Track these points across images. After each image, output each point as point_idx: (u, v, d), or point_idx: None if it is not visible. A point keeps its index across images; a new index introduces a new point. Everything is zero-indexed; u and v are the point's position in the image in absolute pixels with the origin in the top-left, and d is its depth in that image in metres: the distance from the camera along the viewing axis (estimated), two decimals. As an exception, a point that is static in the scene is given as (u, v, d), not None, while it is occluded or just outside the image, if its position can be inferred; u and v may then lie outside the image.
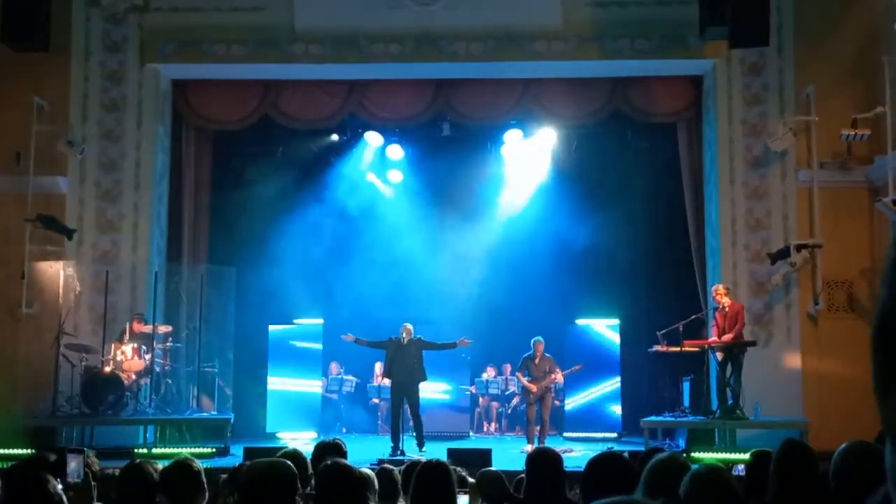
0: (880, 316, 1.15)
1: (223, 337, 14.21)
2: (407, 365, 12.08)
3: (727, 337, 11.76)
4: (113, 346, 12.36)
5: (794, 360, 12.74)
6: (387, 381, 14.09)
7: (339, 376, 15.59)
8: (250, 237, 14.61)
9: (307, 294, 15.07)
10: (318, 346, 14.92)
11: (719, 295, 11.90)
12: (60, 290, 12.90)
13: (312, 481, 4.57)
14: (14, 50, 12.37)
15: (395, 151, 15.60)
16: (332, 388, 15.47)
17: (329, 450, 5.18)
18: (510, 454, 11.62)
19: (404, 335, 12.19)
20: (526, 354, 12.77)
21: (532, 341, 12.78)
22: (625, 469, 3.89)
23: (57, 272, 13.00)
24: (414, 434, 12.06)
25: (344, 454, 5.30)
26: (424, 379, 12.26)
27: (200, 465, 4.62)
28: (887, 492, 1.26)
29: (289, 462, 3.90)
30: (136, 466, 4.68)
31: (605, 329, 14.97)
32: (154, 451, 11.11)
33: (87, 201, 13.37)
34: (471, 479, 6.26)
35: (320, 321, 15.09)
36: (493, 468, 6.22)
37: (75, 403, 12.09)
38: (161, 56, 13.51)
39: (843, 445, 3.58)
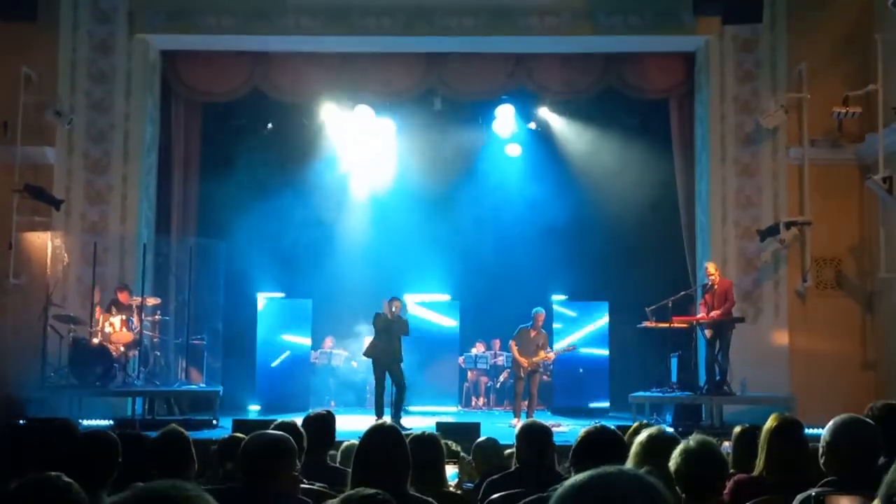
0: None
1: (212, 310, 14.18)
2: (389, 342, 12.05)
3: (715, 313, 11.80)
4: (101, 316, 12.32)
5: (781, 337, 12.81)
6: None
7: (331, 350, 15.62)
8: (240, 211, 14.55)
9: (297, 267, 15.06)
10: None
11: (711, 274, 11.94)
12: (48, 261, 12.84)
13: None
14: (2, 19, 12.25)
15: (386, 125, 15.52)
16: (322, 362, 15.48)
17: (319, 421, 5.17)
18: (498, 428, 11.65)
19: (394, 310, 12.13)
20: (523, 325, 12.74)
21: (533, 311, 12.74)
22: (616, 442, 3.91)
23: (45, 243, 12.93)
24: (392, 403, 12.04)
25: (333, 424, 5.30)
26: (401, 360, 12.20)
27: (189, 435, 4.62)
28: None
29: (289, 435, 3.91)
30: (128, 436, 4.68)
31: (591, 305, 15.02)
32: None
33: (75, 172, 13.28)
34: (463, 455, 6.28)
35: (309, 301, 15.13)
36: (488, 437, 6.23)
37: (63, 375, 12.07)
38: (150, 27, 13.39)
39: (834, 420, 3.59)
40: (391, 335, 12.05)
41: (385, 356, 12.02)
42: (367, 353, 12.42)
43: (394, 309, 12.11)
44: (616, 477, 1.45)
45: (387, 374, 12.09)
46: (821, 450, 3.58)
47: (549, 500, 1.49)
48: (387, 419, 4.08)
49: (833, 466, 3.50)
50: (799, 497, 3.39)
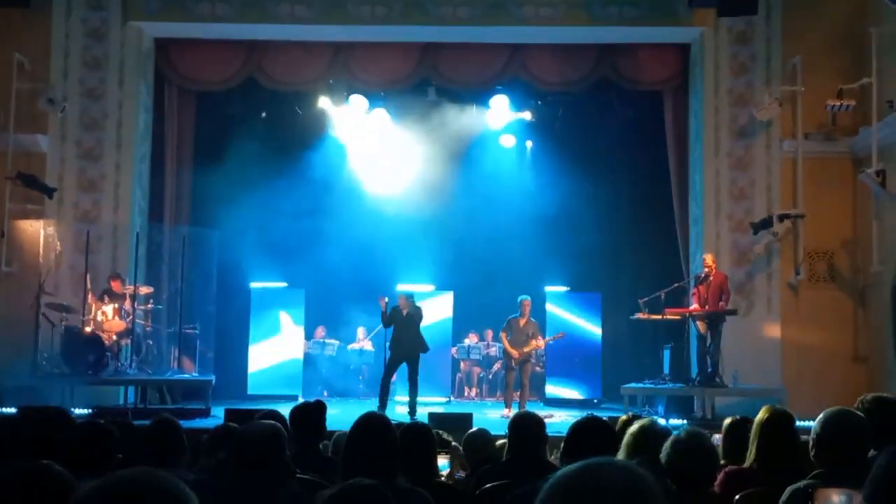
0: None
1: (205, 299, 14.17)
2: (409, 336, 12.01)
3: (711, 306, 11.78)
4: (94, 305, 12.30)
5: (773, 330, 12.84)
6: (368, 345, 14.25)
7: (323, 340, 15.62)
8: (233, 200, 14.52)
9: (290, 257, 15.05)
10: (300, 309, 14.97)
11: (708, 265, 11.93)
12: (41, 250, 12.81)
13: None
14: (-6, 5, 12.20)
15: (380, 115, 15.49)
16: (314, 351, 15.49)
17: (309, 411, 5.18)
18: (490, 419, 11.68)
19: (403, 306, 12.10)
20: (512, 315, 12.74)
21: (519, 299, 12.73)
22: (607, 433, 3.92)
23: (37, 231, 12.90)
24: (408, 401, 12.04)
25: (324, 414, 5.30)
26: (426, 350, 12.14)
27: (181, 424, 4.63)
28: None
29: (280, 425, 3.92)
30: (121, 425, 4.68)
31: (586, 296, 15.04)
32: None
33: (67, 160, 13.24)
34: (454, 443, 6.28)
35: (302, 290, 15.15)
36: (479, 428, 6.23)
37: (56, 363, 12.05)
38: (144, 14, 13.33)
39: (825, 413, 3.61)
40: (410, 326, 12.01)
41: (407, 347, 11.96)
42: (390, 343, 12.32)
43: (403, 303, 12.05)
44: (606, 468, 1.45)
45: (401, 366, 12.08)
46: (811, 442, 3.59)
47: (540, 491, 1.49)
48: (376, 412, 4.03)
49: (823, 459, 3.51)
50: (789, 489, 3.40)
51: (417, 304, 12.37)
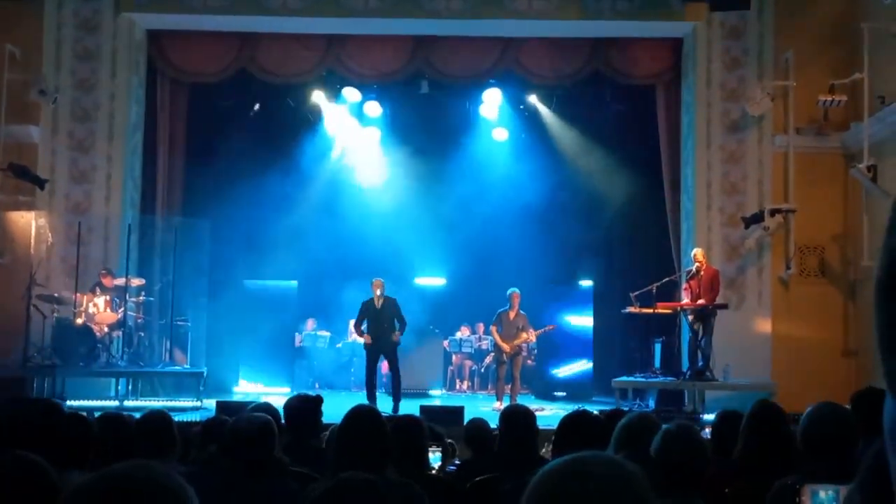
0: (886, 273, 1.15)
1: (197, 291, 14.14)
2: (382, 327, 11.97)
3: (704, 300, 11.80)
4: (85, 297, 12.27)
5: (764, 324, 12.88)
6: (360, 339, 14.20)
7: (314, 332, 15.62)
8: (225, 192, 14.49)
9: (282, 249, 15.03)
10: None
11: (698, 261, 11.93)
12: (32, 241, 12.78)
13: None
14: (-15, -5, 12.15)
15: (373, 108, 15.49)
16: (305, 344, 15.48)
17: (305, 404, 5.19)
18: (482, 412, 11.67)
19: (377, 294, 12.07)
20: (501, 309, 12.75)
21: (508, 292, 12.71)
22: (597, 427, 3.93)
23: (28, 222, 12.86)
24: (391, 393, 12.02)
25: (319, 407, 5.31)
26: (398, 343, 12.15)
27: (173, 417, 4.63)
28: (881, 446, 1.27)
29: (271, 418, 3.92)
30: (112, 417, 4.68)
31: (578, 290, 15.06)
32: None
33: (59, 151, 13.20)
34: (448, 439, 6.30)
35: (294, 283, 15.13)
36: (479, 417, 6.26)
37: (47, 354, 12.02)
38: (136, 5, 13.29)
39: (811, 407, 3.63)
40: (383, 317, 11.99)
41: (380, 338, 11.96)
42: (365, 334, 12.37)
43: (378, 292, 12.03)
44: (593, 461, 1.46)
45: (381, 359, 12.06)
46: (798, 436, 3.61)
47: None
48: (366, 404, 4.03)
49: (809, 454, 3.53)
50: (777, 484, 3.42)
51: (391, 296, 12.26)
